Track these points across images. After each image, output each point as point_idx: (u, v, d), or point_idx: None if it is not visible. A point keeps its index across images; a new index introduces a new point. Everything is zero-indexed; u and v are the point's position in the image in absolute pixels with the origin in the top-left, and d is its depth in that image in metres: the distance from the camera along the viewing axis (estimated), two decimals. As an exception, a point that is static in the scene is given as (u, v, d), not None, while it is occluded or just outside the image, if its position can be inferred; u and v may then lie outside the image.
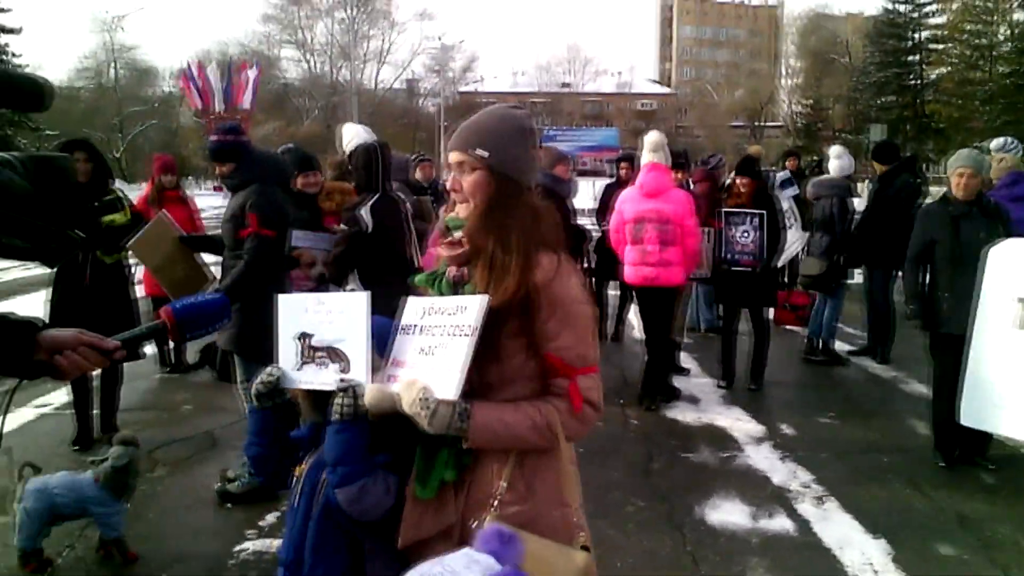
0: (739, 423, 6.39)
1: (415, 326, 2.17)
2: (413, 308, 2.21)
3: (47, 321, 1.78)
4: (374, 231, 4.87)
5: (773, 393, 7.31)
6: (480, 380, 2.04)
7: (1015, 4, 40.80)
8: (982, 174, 5.50)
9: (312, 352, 2.40)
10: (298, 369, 2.42)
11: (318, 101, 61.75)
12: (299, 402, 2.55)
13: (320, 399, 2.50)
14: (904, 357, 8.17)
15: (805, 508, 4.82)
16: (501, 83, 76.48)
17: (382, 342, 2.19)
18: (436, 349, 2.05)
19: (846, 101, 51.89)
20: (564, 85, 78.58)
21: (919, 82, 45.32)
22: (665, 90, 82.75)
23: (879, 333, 8.42)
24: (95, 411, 6.03)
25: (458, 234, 2.19)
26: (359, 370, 2.31)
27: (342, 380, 2.28)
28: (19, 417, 6.45)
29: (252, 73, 42.63)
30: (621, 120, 73.58)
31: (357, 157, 5.11)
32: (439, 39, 64.84)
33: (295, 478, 2.51)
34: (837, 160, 8.50)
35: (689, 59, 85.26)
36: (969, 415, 4.28)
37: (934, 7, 44.98)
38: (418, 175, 8.89)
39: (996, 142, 8.71)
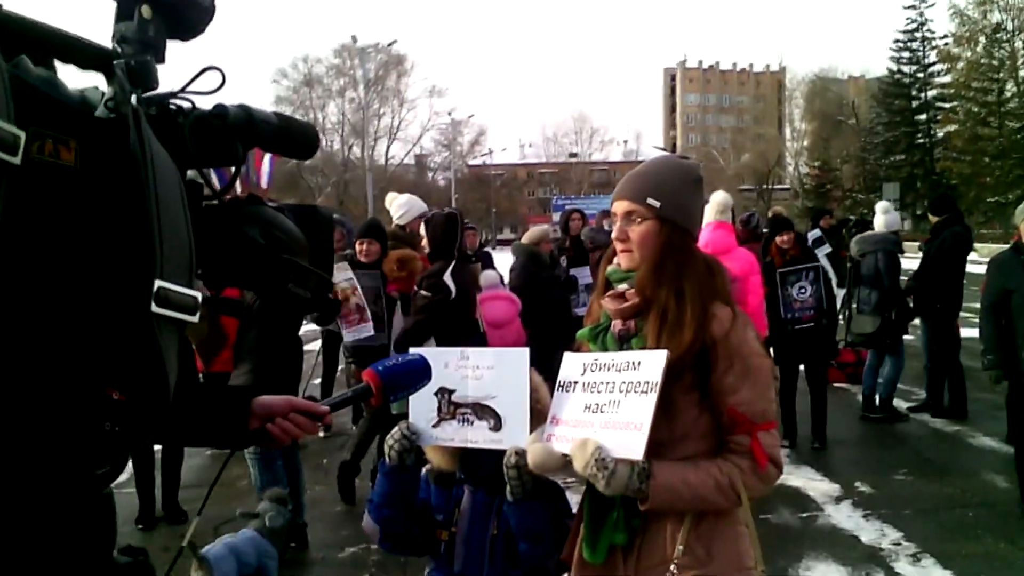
0: (812, 482, 6.25)
1: (575, 383, 2.11)
2: (572, 364, 2.15)
3: None
4: (457, 296, 4.87)
5: (838, 451, 7.15)
6: (651, 438, 1.96)
7: (1020, 61, 41.40)
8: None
9: (453, 408, 2.35)
10: (435, 426, 2.37)
11: (330, 178, 62.57)
12: (428, 451, 2.50)
13: (467, 454, 2.44)
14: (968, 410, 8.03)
15: (903, 567, 4.68)
16: (510, 155, 77.50)
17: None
18: (607, 407, 1.99)
19: (855, 161, 52.35)
20: (571, 155, 79.53)
21: (929, 140, 45.75)
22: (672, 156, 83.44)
23: (937, 386, 8.29)
24: (156, 489, 5.95)
25: (623, 286, 2.14)
26: (516, 429, 2.25)
27: (495, 440, 2.24)
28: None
29: (268, 154, 43.27)
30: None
31: (435, 224, 5.15)
32: (449, 114, 66.01)
33: (440, 543, 2.44)
34: (884, 215, 8.48)
35: (694, 126, 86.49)
36: None
37: (939, 67, 45.66)
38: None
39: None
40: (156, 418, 1.27)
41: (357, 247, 5.96)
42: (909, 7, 46.24)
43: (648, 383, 1.91)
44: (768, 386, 2.10)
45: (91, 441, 1.20)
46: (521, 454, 2.22)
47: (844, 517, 5.50)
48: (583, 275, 8.46)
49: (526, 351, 2.30)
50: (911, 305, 8.26)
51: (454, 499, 2.48)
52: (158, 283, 1.13)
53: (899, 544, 5.00)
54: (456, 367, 2.36)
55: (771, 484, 2.07)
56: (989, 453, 6.82)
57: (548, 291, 7.66)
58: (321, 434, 7.33)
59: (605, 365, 2.05)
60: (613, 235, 2.16)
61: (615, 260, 2.19)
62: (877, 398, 8.28)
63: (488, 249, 14.07)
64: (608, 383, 2.01)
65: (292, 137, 1.52)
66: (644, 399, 1.90)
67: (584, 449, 1.91)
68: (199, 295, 1.22)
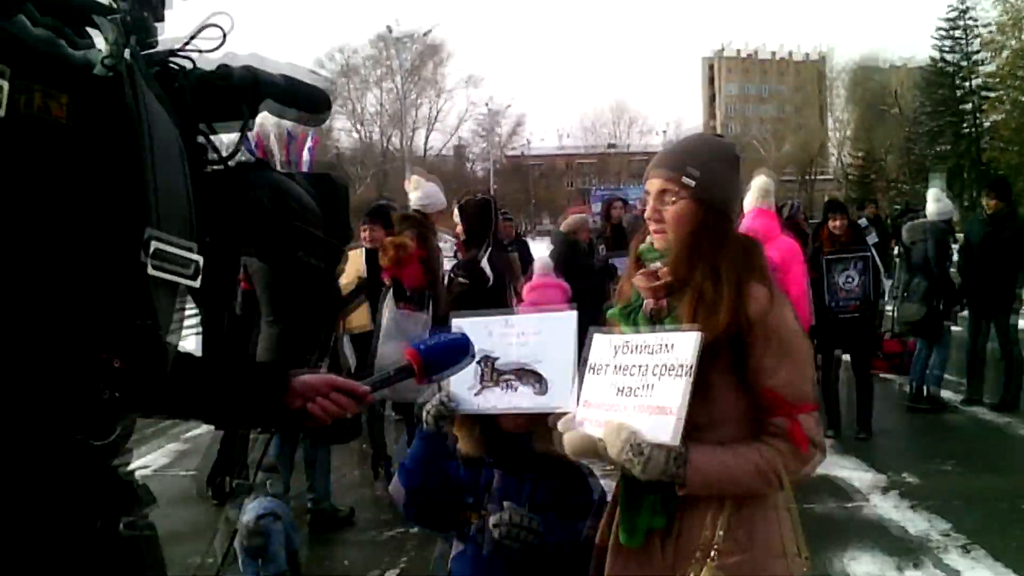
0: (857, 473, 6.14)
1: (607, 365, 2.04)
2: (602, 346, 2.08)
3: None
4: (494, 282, 4.84)
5: (883, 442, 7.02)
6: (687, 421, 1.90)
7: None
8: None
9: (496, 375, 2.31)
10: (477, 394, 2.33)
11: (370, 169, 62.89)
12: (459, 436, 2.47)
13: (494, 439, 2.41)
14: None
15: (953, 559, 4.59)
16: (548, 145, 77.15)
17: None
18: (639, 390, 1.92)
19: (899, 151, 51.41)
20: (610, 145, 78.97)
21: (975, 130, 44.76)
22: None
23: (978, 378, 8.12)
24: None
25: (655, 264, 2.07)
26: (563, 390, 2.20)
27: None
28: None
29: (309, 142, 43.56)
30: (667, 177, 73.43)
31: (471, 209, 5.11)
32: (486, 104, 65.92)
33: (471, 526, 2.41)
34: (936, 203, 8.29)
35: (735, 115, 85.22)
36: None
37: (983, 55, 44.59)
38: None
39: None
40: (155, 388, 1.22)
41: (360, 231, 5.84)
42: (950, -6, 45.23)
43: (682, 366, 1.85)
44: (807, 366, 2.04)
45: (88, 409, 1.17)
46: (512, 519, 2.17)
47: (891, 508, 5.41)
48: (623, 263, 8.36)
49: (573, 313, 2.25)
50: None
51: (483, 481, 2.44)
52: (154, 243, 1.11)
53: (948, 535, 4.90)
54: (501, 334, 2.32)
55: (813, 468, 2.00)
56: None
57: (584, 279, 7.60)
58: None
59: (637, 347, 1.98)
60: (646, 214, 2.09)
61: (647, 238, 2.13)
62: (925, 389, 8.11)
63: (526, 238, 14.05)
64: (641, 365, 1.95)
65: (299, 98, 1.48)
66: (677, 382, 1.84)
67: (617, 434, 1.85)
68: (199, 258, 1.19)
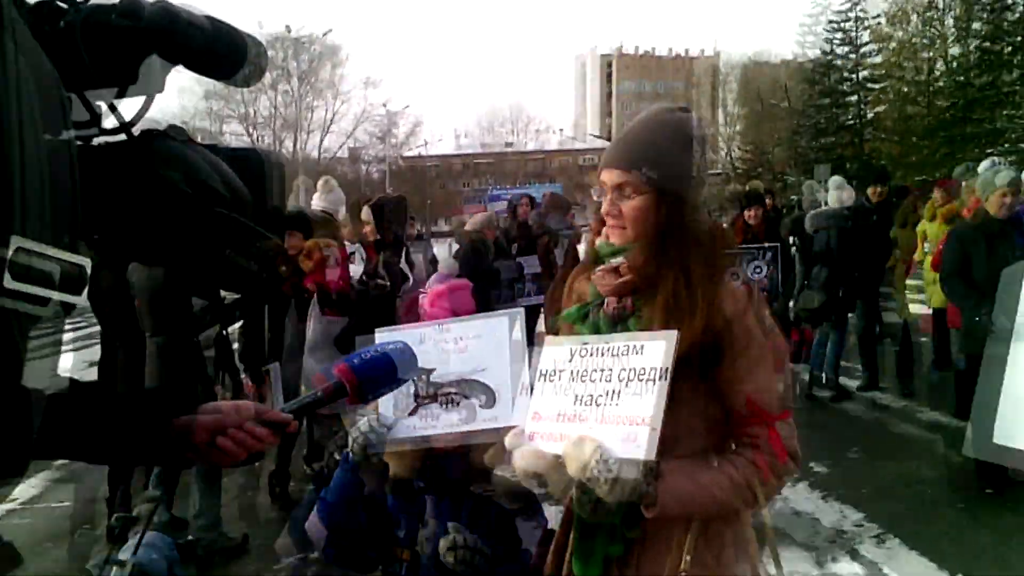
0: (766, 465, 6.13)
1: (561, 371, 1.83)
2: (556, 350, 1.87)
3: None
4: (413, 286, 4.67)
5: (789, 432, 7.06)
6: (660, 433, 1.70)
7: (951, 39, 42.16)
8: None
9: (434, 390, 2.07)
10: (411, 413, 2.08)
11: (263, 173, 61.15)
12: (391, 462, 2.23)
13: (427, 459, 2.19)
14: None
15: (869, 549, 4.61)
16: (446, 146, 76.66)
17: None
18: (603, 398, 1.72)
19: (787, 144, 53.05)
20: (507, 144, 79.04)
21: (859, 121, 46.50)
22: (607, 144, 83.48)
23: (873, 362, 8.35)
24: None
25: (616, 260, 1.87)
26: (511, 404, 1.98)
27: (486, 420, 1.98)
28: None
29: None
30: (565, 176, 74.10)
31: (386, 209, 4.90)
32: (384, 106, 65.04)
33: (402, 564, 2.18)
34: (837, 191, 8.43)
35: (631, 113, 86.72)
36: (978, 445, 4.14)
37: (872, 47, 46.36)
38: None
39: (985, 165, 8.83)
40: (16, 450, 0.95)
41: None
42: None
43: (654, 370, 1.66)
44: (785, 371, 1.88)
45: None
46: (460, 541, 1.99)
47: (802, 499, 5.40)
48: (530, 263, 8.22)
49: (518, 312, 2.04)
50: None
51: (414, 511, 2.22)
52: (16, 241, 0.81)
53: (861, 526, 4.93)
54: (435, 342, 2.08)
55: (787, 481, 1.87)
56: (938, 428, 6.81)
57: (493, 280, 7.44)
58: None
59: (599, 350, 1.78)
60: (602, 209, 1.89)
61: (603, 232, 1.94)
62: (823, 376, 8.25)
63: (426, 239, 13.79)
64: (603, 371, 1.75)
65: (219, 53, 1.15)
66: (650, 388, 1.65)
67: (581, 448, 1.64)
68: (87, 262, 0.90)
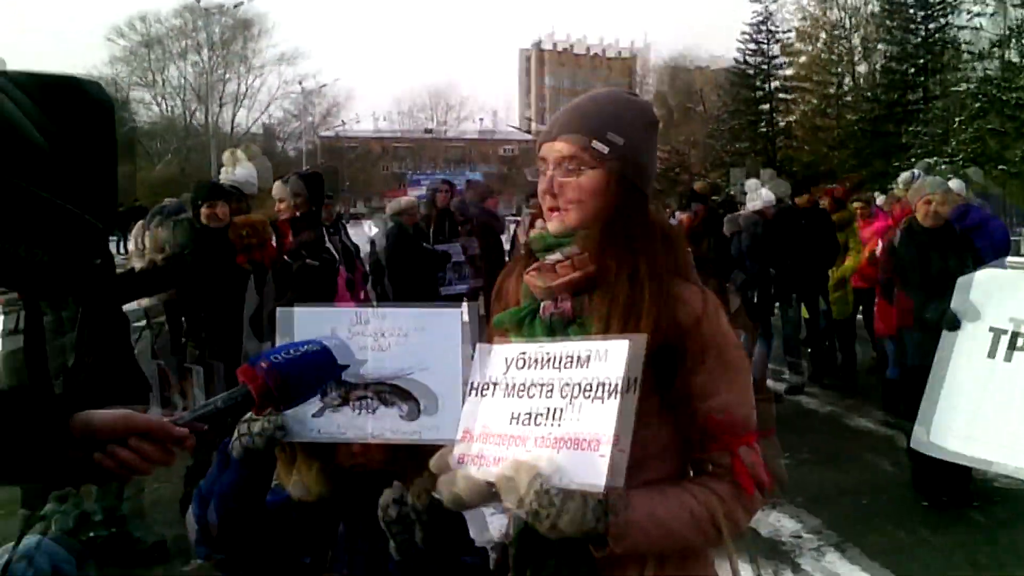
0: (695, 472, 5.94)
1: (494, 384, 1.52)
2: (490, 359, 1.56)
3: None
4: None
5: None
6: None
7: (858, 58, 43.93)
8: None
9: (346, 390, 1.69)
10: (316, 415, 1.70)
11: (171, 144, 59.01)
12: (281, 472, 1.84)
13: (342, 478, 1.80)
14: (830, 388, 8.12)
15: (808, 562, 4.46)
16: (364, 127, 75.51)
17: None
18: (543, 416, 1.42)
19: (702, 147, 54.12)
20: (427, 130, 78.49)
21: (771, 129, 47.74)
22: (527, 136, 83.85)
23: (798, 365, 8.33)
24: None
25: (554, 257, 1.58)
26: (445, 417, 1.63)
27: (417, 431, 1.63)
28: None
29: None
30: (485, 165, 74.03)
31: (306, 185, 4.46)
32: (300, 83, 63.53)
33: None
34: (753, 192, 8.35)
35: (549, 107, 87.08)
36: (924, 443, 4.05)
37: (783, 59, 47.67)
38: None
39: (904, 176, 8.86)
40: None
41: (203, 210, 5.01)
42: (755, 0, 48.06)
43: (606, 383, 1.37)
44: (749, 386, 1.60)
45: None
46: (410, 492, 1.64)
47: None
48: (456, 251, 7.85)
49: (459, 310, 1.69)
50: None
51: (324, 535, 1.83)
52: None
53: (799, 537, 4.75)
54: (352, 334, 1.70)
55: (754, 513, 1.59)
56: (867, 435, 6.78)
57: (418, 264, 7.07)
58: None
59: (537, 360, 1.49)
60: (540, 187, 1.60)
61: (537, 224, 1.66)
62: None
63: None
64: (544, 384, 1.45)
65: None
66: (600, 406, 1.36)
67: (518, 475, 1.35)
68: None
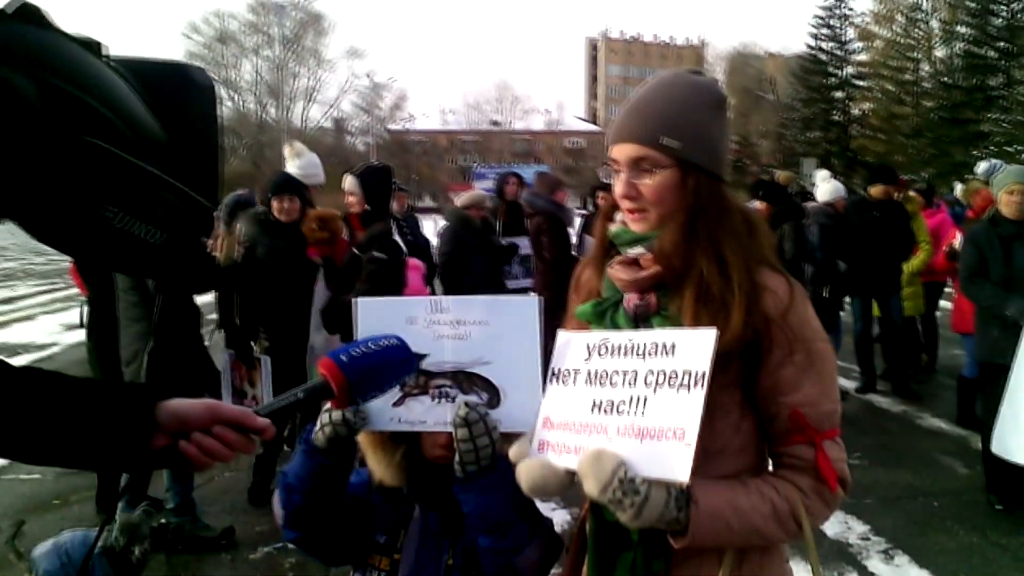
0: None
1: (575, 371, 1.54)
2: (570, 346, 1.58)
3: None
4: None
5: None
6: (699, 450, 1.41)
7: (936, 42, 42.38)
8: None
9: (425, 380, 1.73)
10: (396, 404, 1.74)
11: (244, 139, 60.34)
12: (367, 455, 1.90)
13: (418, 466, 1.86)
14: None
15: (876, 565, 4.35)
16: (431, 121, 75.99)
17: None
18: (626, 405, 1.42)
19: (773, 137, 53.07)
20: (493, 123, 78.59)
21: (845, 118, 46.56)
22: (594, 128, 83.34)
23: (870, 365, 8.09)
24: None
25: (636, 250, 1.59)
26: (521, 406, 1.64)
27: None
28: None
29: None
30: (551, 158, 73.71)
31: (374, 179, 4.55)
32: (367, 76, 64.30)
33: (379, 572, 1.87)
34: (824, 184, 8.16)
35: (616, 97, 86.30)
36: (1005, 447, 3.96)
37: (858, 45, 46.40)
38: (393, 206, 8.28)
39: (983, 167, 8.51)
40: None
41: (274, 204, 5.10)
42: (830, -17, 46.69)
43: (691, 373, 1.36)
44: (835, 380, 1.59)
45: None
46: (475, 407, 1.63)
47: (804, 508, 5.13)
48: (524, 244, 7.87)
49: (536, 299, 1.72)
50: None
51: (400, 517, 1.90)
52: None
53: (868, 539, 4.66)
54: (427, 323, 1.74)
55: (834, 509, 1.57)
56: (940, 436, 6.59)
57: (477, 258, 7.10)
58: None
59: (622, 348, 1.49)
60: (617, 191, 1.59)
61: (617, 218, 1.66)
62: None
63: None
64: (627, 372, 1.45)
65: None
66: (685, 396, 1.35)
67: (600, 465, 1.35)
68: None
